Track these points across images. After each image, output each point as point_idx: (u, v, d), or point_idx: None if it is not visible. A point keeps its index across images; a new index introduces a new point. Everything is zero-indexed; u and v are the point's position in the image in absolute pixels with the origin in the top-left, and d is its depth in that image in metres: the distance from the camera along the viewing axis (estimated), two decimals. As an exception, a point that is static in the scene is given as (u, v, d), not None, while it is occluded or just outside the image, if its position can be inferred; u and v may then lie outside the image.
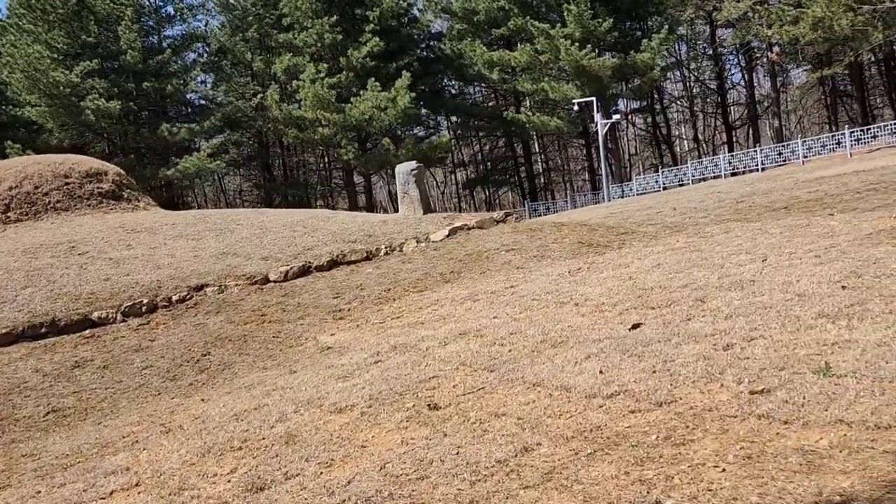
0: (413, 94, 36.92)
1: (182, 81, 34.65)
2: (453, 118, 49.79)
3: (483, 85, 49.75)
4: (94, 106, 31.24)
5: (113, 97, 32.51)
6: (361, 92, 36.20)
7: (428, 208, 13.47)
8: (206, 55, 40.08)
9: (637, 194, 36.56)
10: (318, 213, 14.15)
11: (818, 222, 9.76)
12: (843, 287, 5.92)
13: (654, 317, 6.21)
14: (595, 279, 8.58)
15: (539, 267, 10.21)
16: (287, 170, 46.26)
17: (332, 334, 8.53)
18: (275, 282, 11.17)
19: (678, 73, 53.58)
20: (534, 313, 7.48)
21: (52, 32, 32.96)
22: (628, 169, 59.07)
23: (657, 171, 39.16)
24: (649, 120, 54.41)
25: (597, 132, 39.30)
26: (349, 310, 9.57)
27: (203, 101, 38.00)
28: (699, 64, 52.80)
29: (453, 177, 59.64)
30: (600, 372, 4.98)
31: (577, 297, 7.76)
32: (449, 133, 50.24)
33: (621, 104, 51.84)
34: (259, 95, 37.44)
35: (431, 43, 46.65)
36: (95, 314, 10.26)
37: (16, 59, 29.97)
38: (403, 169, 13.56)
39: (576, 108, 39.11)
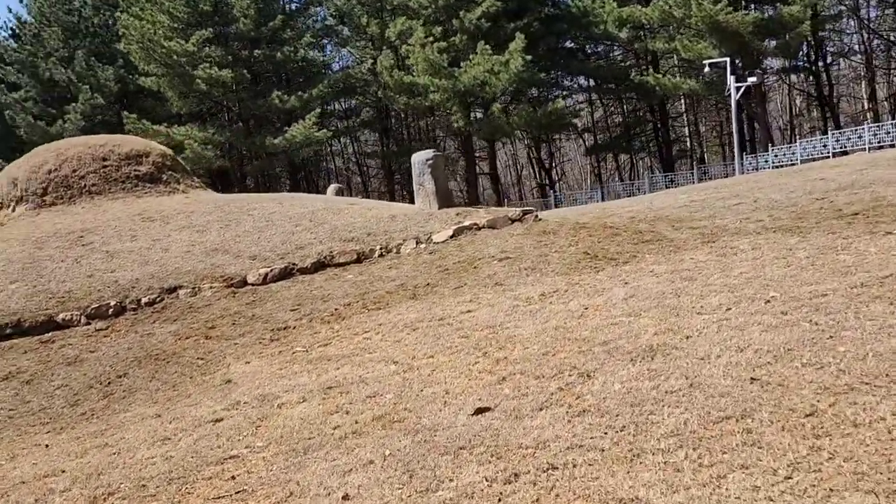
0: (529, 57, 35.11)
1: (293, 49, 34.61)
2: (580, 81, 47.43)
3: (612, 44, 46.95)
4: (206, 75, 31.78)
5: (226, 65, 32.97)
6: (472, 56, 34.85)
7: (446, 202, 12.29)
8: (320, 21, 39.88)
9: (773, 167, 33.38)
10: (334, 203, 13.31)
11: (854, 247, 7.89)
12: (752, 380, 4.41)
13: (520, 395, 4.97)
14: (546, 313, 7.28)
15: (518, 285, 8.91)
16: (409, 137, 45.69)
17: (247, 362, 7.70)
18: (252, 284, 10.47)
19: (853, 23, 48.12)
20: (436, 360, 6.34)
21: (175, 1, 33.71)
22: (789, 132, 54.47)
23: (823, 134, 35.22)
24: (808, 80, 49.61)
25: (731, 95, 36.01)
26: (293, 328, 8.70)
27: (315, 69, 37.89)
28: (881, 13, 46.87)
29: (577, 143, 57.23)
30: (344, 498, 3.85)
31: (501, 340, 6.57)
32: (573, 97, 48.06)
33: (775, 62, 47.56)
34: (372, 61, 36.90)
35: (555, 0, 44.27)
36: (61, 315, 9.95)
37: (130, 30, 30.90)
38: (419, 158, 12.42)
39: (706, 69, 36.04)
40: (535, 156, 55.08)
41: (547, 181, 53.33)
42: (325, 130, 33.38)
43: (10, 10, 60.49)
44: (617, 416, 4.28)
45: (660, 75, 40.30)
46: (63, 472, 5.28)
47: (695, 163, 45.82)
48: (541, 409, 4.63)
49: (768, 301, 6.10)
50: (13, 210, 14.41)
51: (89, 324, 9.85)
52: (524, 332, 6.73)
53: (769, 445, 3.56)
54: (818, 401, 3.96)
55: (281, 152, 33.99)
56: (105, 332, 9.56)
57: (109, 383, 7.93)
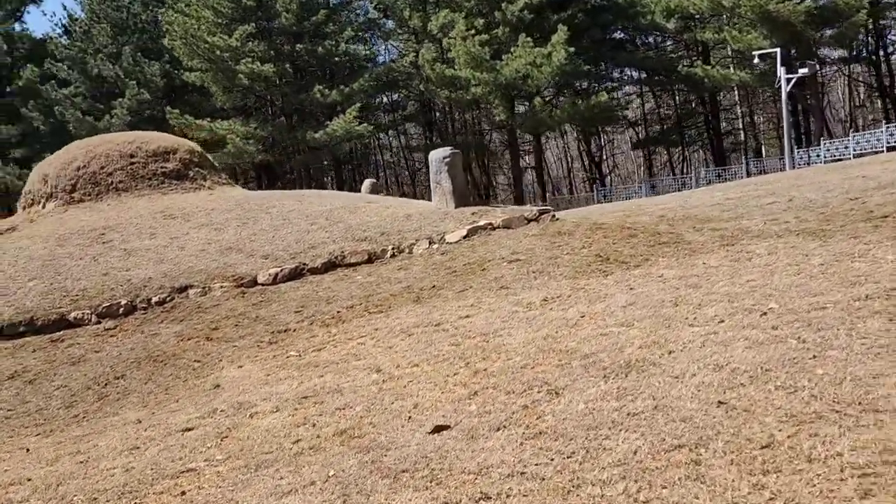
0: (572, 49, 34.57)
1: (334, 43, 34.67)
2: (627, 74, 46.59)
3: (662, 35, 45.99)
4: (248, 69, 32.03)
5: (269, 60, 33.19)
6: (513, 49, 34.46)
7: (462, 201, 12.08)
8: (363, 14, 39.87)
9: (825, 161, 32.36)
10: (353, 201, 13.21)
11: (871, 254, 7.48)
12: (720, 403, 4.15)
13: (484, 412, 4.80)
14: (542, 321, 7.06)
15: (523, 289, 8.69)
16: (454, 131, 45.46)
17: (240, 366, 7.64)
18: (262, 284, 10.43)
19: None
20: (419, 370, 6.19)
21: (220, -2, 34.06)
22: (848, 125, 52.71)
23: (884, 126, 33.94)
24: (868, 70, 47.93)
25: (782, 87, 34.88)
26: (293, 331, 8.62)
27: (358, 63, 37.90)
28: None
29: (629, 136, 56.29)
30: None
31: (488, 350, 6.39)
32: (623, 89, 47.27)
33: (835, 52, 46.04)
34: (414, 54, 36.76)
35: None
36: (73, 314, 10.05)
37: (174, 26, 31.31)
38: (436, 156, 12.23)
39: (756, 60, 35.08)
40: (584, 148, 54.45)
41: (597, 174, 52.64)
42: (365, 125, 33.39)
43: (64, 8, 62.00)
44: (570, 440, 4.06)
45: (708, 67, 39.38)
46: (29, 480, 5.26)
47: (748, 155, 44.68)
48: (498, 430, 4.43)
49: (764, 314, 5.78)
50: (43, 206, 14.66)
51: (100, 323, 9.92)
52: (514, 341, 6.52)
53: (712, 481, 3.31)
54: (779, 430, 3.69)
55: (322, 146, 34.12)
56: (113, 331, 9.62)
57: (106, 385, 7.95)
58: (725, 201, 14.64)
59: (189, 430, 5.71)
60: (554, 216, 11.41)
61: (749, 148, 52.78)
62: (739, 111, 54.13)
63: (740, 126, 54.18)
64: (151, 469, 4.95)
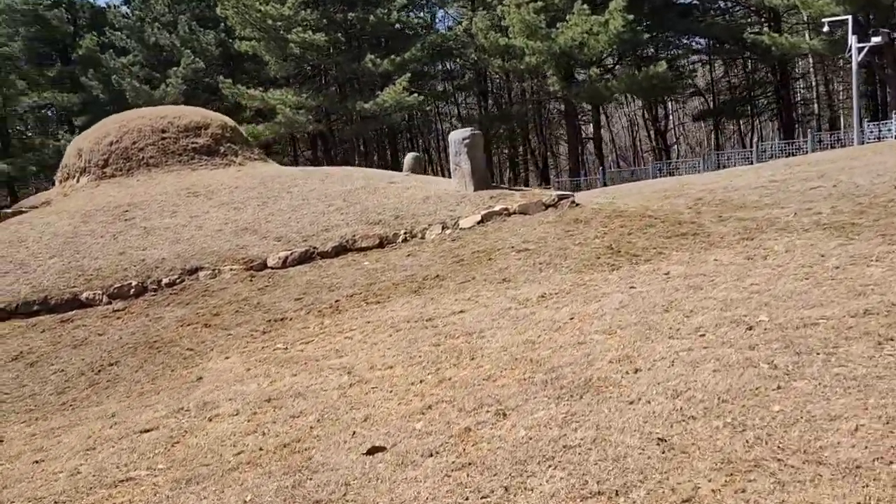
0: (630, 17, 33.44)
1: (386, 11, 34.27)
2: (693, 41, 44.90)
3: (732, 2, 44.16)
4: (300, 38, 31.94)
5: (321, 29, 33.03)
6: (569, 16, 33.49)
7: (482, 183, 11.73)
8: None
9: (894, 137, 30.72)
10: (375, 181, 12.97)
11: (891, 259, 6.94)
12: (660, 441, 3.84)
13: (426, 433, 4.58)
14: (530, 321, 6.79)
15: (525, 282, 8.38)
16: (510, 100, 44.67)
17: (226, 357, 7.56)
18: (272, 268, 10.34)
19: None
20: (390, 372, 6.00)
21: (275, -35, 33.90)
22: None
23: None
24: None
25: (853, 57, 33.14)
26: (289, 320, 8.50)
27: (412, 31, 37.43)
28: None
29: (697, 105, 54.48)
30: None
31: (465, 353, 6.19)
32: (689, 58, 45.68)
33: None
34: (468, 23, 36.10)
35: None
36: (85, 294, 10.13)
37: (224, -6, 31.46)
38: (456, 137, 11.88)
39: (825, 28, 33.37)
40: (649, 117, 52.99)
41: (662, 145, 51.22)
42: (416, 95, 33.02)
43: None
44: (495, 475, 3.80)
45: (776, 34, 37.65)
46: (-17, 478, 5.24)
47: (821, 127, 42.76)
48: (431, 456, 4.20)
49: (750, 328, 5.38)
50: (77, 181, 14.86)
51: (110, 303, 9.98)
52: (493, 345, 6.27)
53: (613, 543, 3.02)
54: (708, 480, 3.36)
55: (372, 116, 33.94)
56: (121, 313, 9.66)
57: (100, 371, 7.97)
58: (770, 183, 13.97)
59: (147, 430, 5.62)
60: (573, 202, 11.00)
61: (823, 118, 50.58)
62: (814, 80, 51.82)
63: (814, 96, 51.92)
64: (94, 476, 4.87)
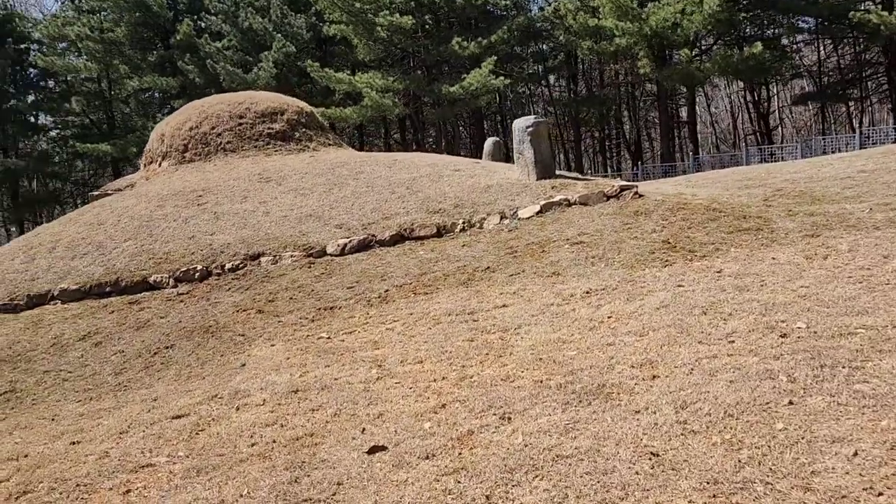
0: (728, -5, 32.18)
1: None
2: (796, 20, 42.81)
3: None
4: (387, 22, 32.16)
5: (408, 12, 33.16)
6: (664, -4, 32.49)
7: (546, 172, 11.55)
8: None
9: None
10: (440, 168, 12.93)
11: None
12: (652, 455, 3.74)
13: (431, 433, 4.61)
14: (568, 319, 6.72)
15: (573, 276, 8.24)
16: (601, 82, 43.81)
17: (272, 345, 7.73)
18: (331, 255, 10.49)
19: None
20: (420, 367, 6.03)
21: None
22: None
23: None
24: None
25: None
26: (339, 308, 8.62)
27: (501, 12, 37.08)
28: None
29: (803, 86, 52.08)
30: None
31: (495, 349, 6.20)
32: (786, 38, 43.59)
33: None
34: (556, 3, 35.53)
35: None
36: (154, 277, 10.53)
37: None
38: (519, 125, 11.72)
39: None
40: (750, 100, 51.03)
41: (763, 128, 49.31)
42: (501, 78, 32.78)
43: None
44: (482, 482, 3.77)
45: (885, 13, 35.52)
46: (26, 456, 5.54)
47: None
48: (427, 458, 4.20)
49: (784, 335, 5.14)
50: (159, 165, 15.43)
51: (176, 287, 10.34)
52: (525, 342, 6.22)
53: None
54: (689, 501, 3.23)
55: (458, 100, 33.90)
56: (184, 296, 10.00)
57: (155, 354, 8.28)
58: (857, 174, 13.32)
59: (179, 417, 5.82)
60: (636, 193, 10.71)
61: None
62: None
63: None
64: (119, 460, 5.07)
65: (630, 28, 33.68)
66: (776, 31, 44.30)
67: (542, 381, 5.08)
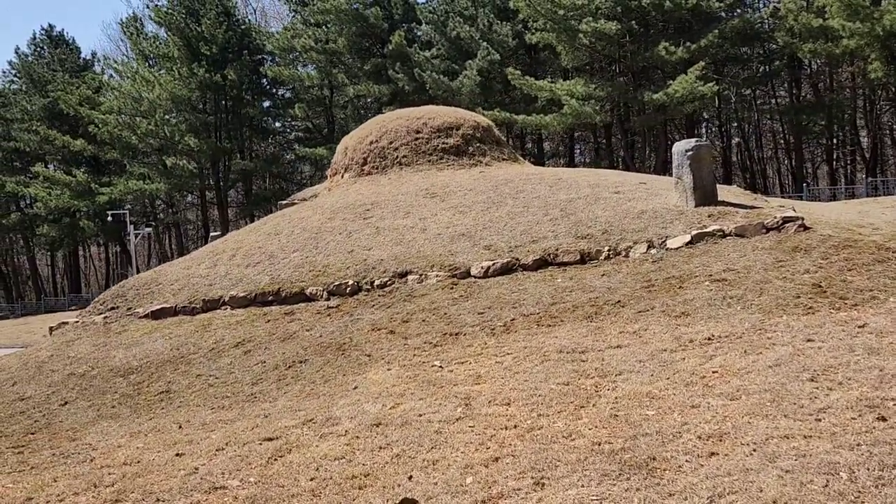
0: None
1: (683, -5, 32.59)
2: None
3: None
4: (590, 28, 31.68)
5: (615, 17, 32.47)
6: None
7: (706, 199, 10.88)
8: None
9: None
10: (600, 191, 12.48)
11: None
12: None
13: (465, 491, 4.60)
14: (672, 370, 6.42)
15: (702, 318, 7.76)
16: (829, 88, 40.31)
17: (388, 369, 7.96)
18: (474, 277, 10.61)
19: None
20: (503, 411, 5.98)
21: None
22: None
23: None
24: None
25: None
26: (462, 335, 8.71)
27: (712, 15, 35.16)
28: None
29: None
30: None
31: (580, 399, 6.04)
32: None
33: None
34: (775, 4, 33.22)
35: None
36: (310, 289, 11.20)
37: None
38: (679, 148, 11.14)
39: None
40: None
41: None
42: (710, 84, 31.20)
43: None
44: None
45: None
46: (138, 462, 6.14)
47: None
48: (449, 521, 4.17)
49: (883, 419, 4.59)
50: (342, 177, 16.31)
51: (328, 300, 10.93)
52: (615, 392, 6.02)
53: None
54: None
55: (662, 107, 32.71)
56: (333, 310, 10.54)
57: (290, 367, 8.81)
58: None
59: (270, 439, 6.17)
60: (802, 224, 9.85)
61: None
62: None
63: None
64: (201, 479, 5.48)
65: (860, 28, 30.83)
66: None
67: (599, 444, 4.87)
